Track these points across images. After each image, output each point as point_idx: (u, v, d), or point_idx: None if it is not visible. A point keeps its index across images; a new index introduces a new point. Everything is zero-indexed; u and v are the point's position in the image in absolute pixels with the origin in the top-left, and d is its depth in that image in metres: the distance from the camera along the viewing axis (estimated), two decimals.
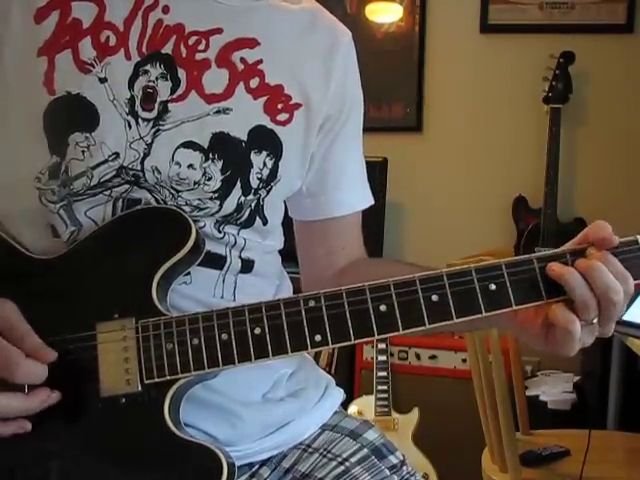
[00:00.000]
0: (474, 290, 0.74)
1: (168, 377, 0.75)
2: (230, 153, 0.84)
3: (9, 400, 0.72)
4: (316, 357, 2.68)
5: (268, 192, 0.88)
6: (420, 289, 0.74)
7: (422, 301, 0.74)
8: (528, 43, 2.91)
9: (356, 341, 0.74)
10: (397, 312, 0.74)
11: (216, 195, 0.84)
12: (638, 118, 2.86)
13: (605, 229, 0.73)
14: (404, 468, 0.92)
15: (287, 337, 0.74)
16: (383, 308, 0.74)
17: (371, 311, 0.74)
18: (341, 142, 0.96)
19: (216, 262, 0.85)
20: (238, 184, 0.85)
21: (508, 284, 0.73)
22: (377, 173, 2.74)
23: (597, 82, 2.89)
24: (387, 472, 0.90)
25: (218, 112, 0.84)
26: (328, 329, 0.74)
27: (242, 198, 0.85)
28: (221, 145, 0.84)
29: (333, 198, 0.97)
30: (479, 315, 0.74)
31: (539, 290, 0.74)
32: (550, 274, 0.73)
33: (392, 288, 0.74)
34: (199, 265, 0.83)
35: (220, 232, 0.86)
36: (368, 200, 1.02)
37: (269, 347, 0.74)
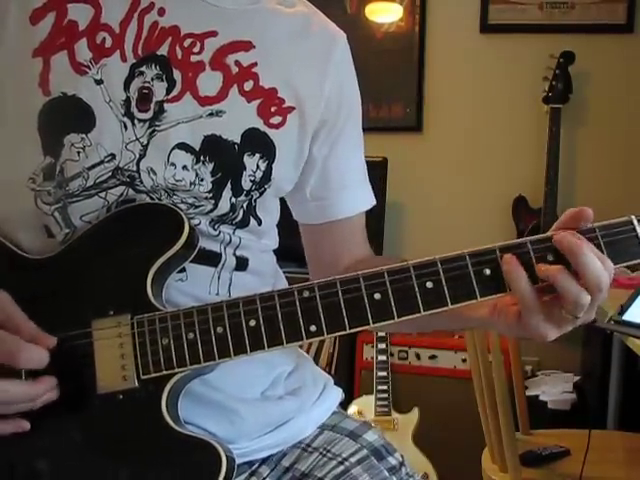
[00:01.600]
0: (468, 275, 0.73)
1: (165, 372, 0.75)
2: (221, 155, 0.84)
3: (16, 386, 0.73)
4: (316, 357, 2.68)
5: (261, 194, 0.88)
6: (414, 276, 0.74)
7: (416, 288, 0.73)
8: (528, 43, 2.91)
9: (351, 330, 0.74)
10: (392, 300, 0.73)
11: (210, 195, 0.84)
12: (638, 118, 2.86)
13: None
14: (403, 469, 0.92)
15: (282, 328, 0.74)
16: (377, 296, 0.74)
17: (365, 299, 0.74)
18: (341, 146, 0.96)
19: (211, 259, 0.85)
20: (228, 186, 0.85)
21: (503, 268, 0.73)
22: (377, 173, 2.74)
23: (597, 82, 2.89)
24: (386, 473, 0.90)
25: (211, 115, 0.84)
26: (323, 319, 0.74)
27: (233, 199, 0.86)
28: (212, 147, 0.84)
29: (337, 201, 0.98)
30: (474, 300, 0.73)
31: (534, 274, 0.72)
32: (541, 275, 0.72)
33: (386, 276, 0.74)
34: (194, 262, 0.83)
35: (215, 230, 0.86)
36: (370, 201, 1.03)
37: (264, 339, 0.74)
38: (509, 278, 0.72)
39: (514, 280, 0.71)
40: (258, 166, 0.86)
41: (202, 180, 0.83)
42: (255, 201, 0.88)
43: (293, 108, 0.89)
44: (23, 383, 0.73)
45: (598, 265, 0.70)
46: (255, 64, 0.87)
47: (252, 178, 0.86)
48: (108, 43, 0.82)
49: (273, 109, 0.87)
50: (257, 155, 0.86)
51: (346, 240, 1.01)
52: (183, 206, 0.83)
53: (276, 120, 0.88)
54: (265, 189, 0.88)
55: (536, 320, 0.72)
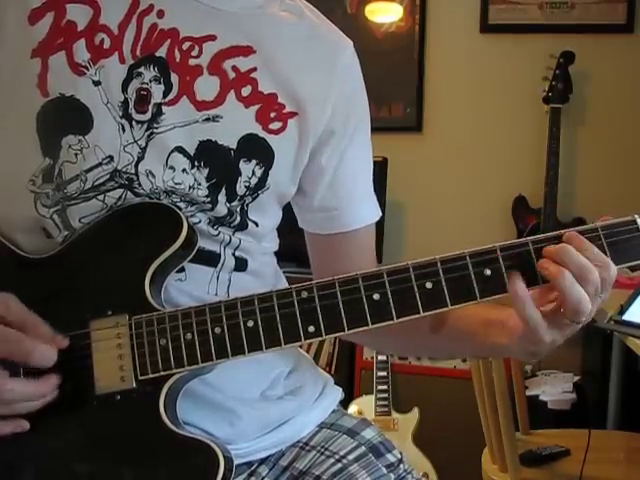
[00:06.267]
0: (469, 276, 0.73)
1: (162, 372, 0.75)
2: (216, 161, 0.83)
3: (21, 385, 0.73)
4: (316, 357, 2.68)
5: (254, 199, 0.87)
6: (413, 276, 0.73)
7: (416, 289, 0.73)
8: (528, 43, 2.91)
9: (350, 331, 0.74)
10: (391, 301, 0.73)
11: (207, 200, 0.84)
12: (638, 118, 2.85)
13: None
14: (401, 466, 0.92)
15: (280, 329, 0.74)
16: (376, 297, 0.73)
17: (364, 300, 0.73)
18: (351, 156, 0.95)
19: (210, 259, 0.85)
20: (223, 191, 0.84)
21: (503, 269, 0.73)
22: (377, 173, 2.70)
23: (597, 82, 2.88)
24: (384, 470, 0.90)
25: (207, 120, 0.83)
26: (321, 320, 0.74)
27: (228, 204, 0.85)
28: (208, 153, 0.83)
29: (346, 212, 0.96)
30: (474, 301, 0.73)
31: (535, 274, 0.72)
32: (544, 274, 0.72)
33: (385, 276, 0.74)
34: (193, 262, 0.82)
35: (215, 230, 0.85)
36: (378, 213, 1.01)
37: (262, 339, 0.74)
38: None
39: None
40: (254, 172, 0.85)
41: (200, 184, 0.83)
42: (247, 205, 0.87)
43: (295, 114, 0.88)
44: (28, 382, 0.73)
45: (579, 292, 0.70)
46: (254, 69, 0.86)
47: (247, 184, 0.85)
48: (107, 44, 0.81)
49: (273, 115, 0.86)
50: (253, 161, 0.85)
51: (353, 253, 0.98)
52: (182, 204, 0.83)
53: (276, 126, 0.87)
54: (258, 194, 0.87)
55: (542, 328, 0.73)
